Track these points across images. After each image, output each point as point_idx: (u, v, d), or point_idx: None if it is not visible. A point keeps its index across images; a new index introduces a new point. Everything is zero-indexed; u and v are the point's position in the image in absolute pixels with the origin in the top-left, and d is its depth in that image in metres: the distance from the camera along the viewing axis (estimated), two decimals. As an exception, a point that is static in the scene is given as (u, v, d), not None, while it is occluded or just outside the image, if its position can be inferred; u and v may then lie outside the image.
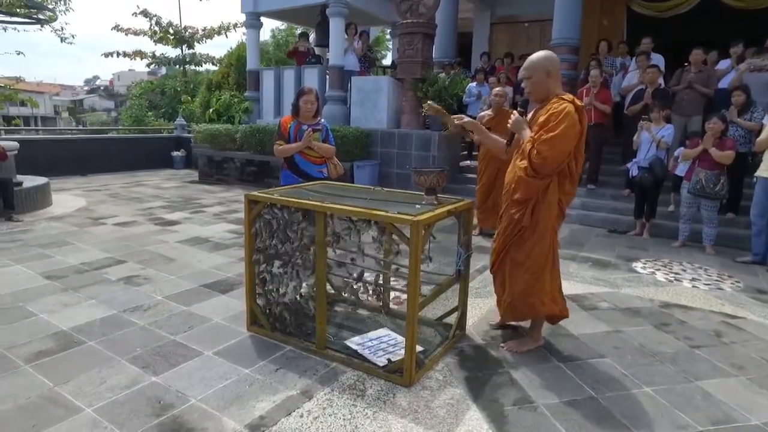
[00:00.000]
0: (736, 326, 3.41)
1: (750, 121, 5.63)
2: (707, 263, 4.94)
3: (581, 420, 2.26)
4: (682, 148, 5.79)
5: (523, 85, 2.79)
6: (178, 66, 20.43)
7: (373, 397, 2.40)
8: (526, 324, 3.13)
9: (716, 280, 4.42)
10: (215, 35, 19.22)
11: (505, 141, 2.97)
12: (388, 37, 16.76)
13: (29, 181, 6.86)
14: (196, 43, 19.52)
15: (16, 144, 7.18)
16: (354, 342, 2.86)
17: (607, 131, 7.32)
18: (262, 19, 10.50)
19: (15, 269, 4.18)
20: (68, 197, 7.77)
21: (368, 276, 2.89)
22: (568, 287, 4.00)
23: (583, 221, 6.54)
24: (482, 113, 5.85)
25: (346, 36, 9.18)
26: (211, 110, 10.99)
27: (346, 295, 3.46)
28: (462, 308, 3.04)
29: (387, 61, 15.39)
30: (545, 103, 2.70)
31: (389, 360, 2.60)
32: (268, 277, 2.96)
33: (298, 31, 12.21)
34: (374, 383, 2.51)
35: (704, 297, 3.98)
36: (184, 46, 19.42)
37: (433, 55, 8.82)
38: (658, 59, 7.27)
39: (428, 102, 3.03)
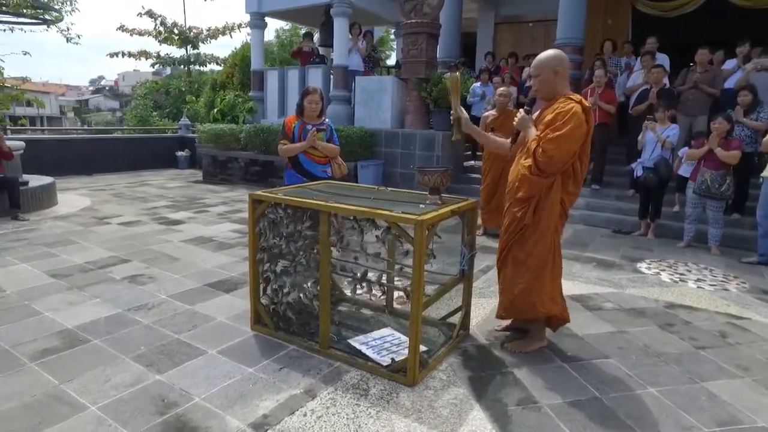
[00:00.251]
0: (742, 327, 3.39)
1: (756, 121, 5.59)
2: (712, 264, 4.92)
3: (585, 420, 2.25)
4: (686, 148, 5.76)
5: (530, 83, 2.79)
6: (182, 66, 20.49)
7: (377, 396, 2.40)
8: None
9: (722, 281, 4.40)
10: (220, 35, 19.27)
11: (503, 140, 2.97)
12: (392, 37, 16.79)
13: (35, 180, 6.90)
14: (200, 44, 19.58)
15: (22, 144, 7.23)
16: (358, 341, 2.86)
17: (611, 131, 7.29)
18: (267, 19, 10.53)
19: (21, 268, 4.20)
20: (73, 197, 7.81)
21: (372, 275, 2.88)
22: (573, 287, 4.01)
23: (588, 221, 6.52)
24: (486, 113, 5.85)
25: (350, 36, 9.19)
26: (215, 110, 11.03)
27: (349, 294, 3.47)
28: (466, 308, 3.04)
29: (391, 61, 15.39)
30: (552, 102, 2.70)
31: (393, 359, 2.60)
32: (272, 276, 2.96)
33: (303, 31, 12.23)
34: (378, 383, 2.51)
35: (709, 298, 3.96)
36: (188, 47, 19.47)
37: (437, 55, 8.82)
38: (663, 59, 7.24)
39: (455, 74, 3.00)
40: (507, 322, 3.19)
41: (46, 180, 7.06)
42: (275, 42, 19.39)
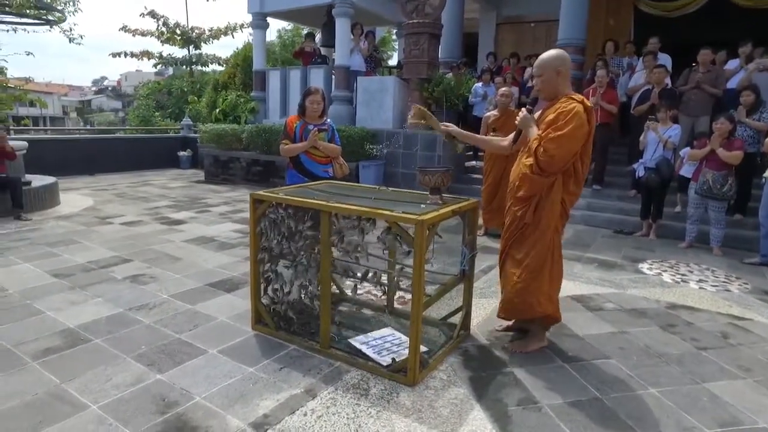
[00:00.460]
0: (744, 328, 3.38)
1: (759, 121, 5.58)
2: (714, 264, 4.90)
3: (586, 421, 2.25)
4: (687, 148, 5.75)
5: (533, 82, 2.79)
6: (185, 66, 20.53)
7: (377, 396, 2.40)
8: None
9: (723, 282, 4.38)
10: (222, 36, 19.28)
11: (499, 140, 2.99)
12: (394, 37, 16.79)
13: (38, 180, 6.92)
14: (202, 44, 19.60)
15: (25, 144, 7.26)
16: (358, 341, 2.86)
17: (613, 131, 7.29)
18: (269, 19, 10.54)
19: (23, 267, 4.22)
20: (76, 196, 7.84)
21: (373, 275, 2.88)
22: (574, 288, 4.01)
23: (589, 222, 6.51)
24: (488, 113, 5.84)
25: (352, 36, 9.19)
26: (217, 110, 11.05)
27: (350, 294, 3.47)
28: (466, 308, 3.04)
29: (393, 62, 15.40)
30: (554, 101, 2.70)
31: (393, 359, 2.60)
32: (272, 276, 2.97)
33: (305, 32, 12.24)
34: (378, 382, 2.51)
35: (711, 298, 3.95)
36: (191, 47, 19.50)
37: (439, 56, 8.82)
38: (665, 59, 7.23)
39: (415, 106, 3.03)
40: (508, 323, 3.18)
41: (49, 180, 7.09)
42: (277, 42, 19.43)
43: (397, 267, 2.82)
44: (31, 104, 13.60)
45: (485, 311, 3.51)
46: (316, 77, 9.51)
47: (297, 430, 2.13)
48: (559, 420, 2.25)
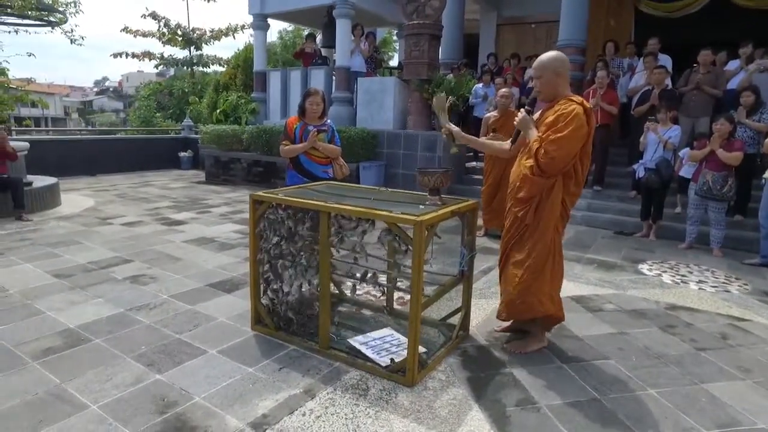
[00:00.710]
0: (743, 329, 3.38)
1: (759, 122, 5.58)
2: (714, 265, 4.90)
3: (584, 421, 2.25)
4: (687, 149, 5.75)
5: (532, 84, 2.80)
6: (186, 67, 20.57)
7: (376, 396, 2.40)
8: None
9: (723, 283, 4.38)
10: (223, 36, 19.31)
11: (499, 143, 3.00)
12: (395, 38, 16.80)
13: (39, 181, 6.94)
14: (203, 45, 19.64)
15: (26, 144, 7.28)
16: (357, 341, 2.87)
17: (613, 132, 7.29)
18: (270, 20, 10.56)
19: (24, 267, 4.23)
20: (77, 197, 7.85)
21: (372, 276, 2.89)
22: (574, 288, 4.01)
23: (589, 223, 6.52)
24: (488, 114, 5.85)
25: (352, 37, 9.21)
26: (218, 111, 11.07)
27: (349, 294, 3.48)
28: (465, 309, 3.04)
29: (394, 62, 15.42)
30: (553, 103, 2.71)
31: (392, 360, 2.61)
32: (272, 276, 2.97)
33: (306, 33, 12.26)
34: (377, 383, 2.52)
35: (711, 299, 3.95)
36: (192, 48, 19.54)
37: (440, 56, 8.83)
38: (665, 60, 7.23)
39: (441, 94, 3.03)
40: (507, 323, 3.19)
41: (50, 180, 7.11)
42: (278, 43, 19.47)
43: (396, 268, 2.83)
44: (33, 105, 13.61)
45: (485, 312, 3.51)
46: (317, 78, 9.53)
47: (296, 430, 2.13)
48: (557, 421, 2.25)
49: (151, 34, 18.80)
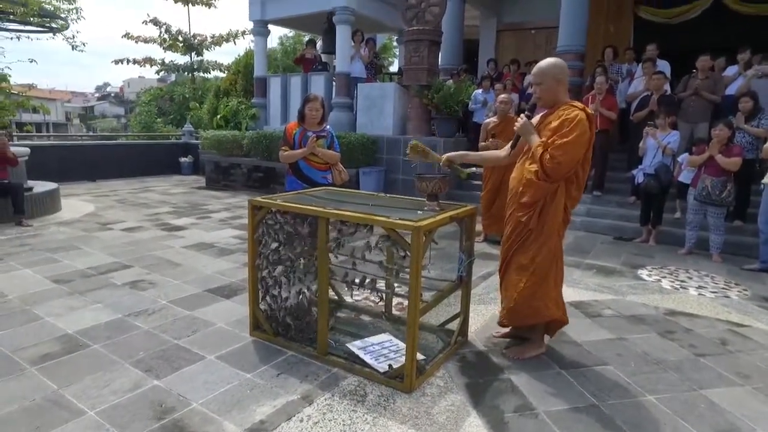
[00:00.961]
0: (743, 335, 3.37)
1: (757, 127, 5.59)
2: (714, 271, 4.90)
3: (583, 428, 2.24)
4: (686, 155, 5.76)
5: (531, 90, 2.80)
6: (186, 73, 20.66)
7: (374, 402, 2.40)
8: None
9: (723, 288, 4.38)
10: (224, 42, 19.41)
11: (496, 153, 3.04)
12: (395, 44, 16.87)
13: (39, 186, 6.95)
14: (204, 51, 19.73)
15: (27, 150, 7.30)
16: (356, 346, 2.86)
17: (612, 138, 7.30)
18: (270, 26, 10.61)
19: (23, 273, 4.23)
20: (77, 202, 7.87)
21: (370, 281, 2.89)
22: (573, 294, 4.00)
23: (589, 228, 6.52)
24: (487, 120, 5.87)
25: (352, 43, 9.25)
26: (218, 117, 11.11)
27: (348, 299, 3.47)
28: (464, 314, 3.04)
29: (394, 68, 15.47)
30: (554, 109, 2.73)
31: (390, 366, 2.60)
32: (271, 282, 2.98)
33: (306, 39, 12.32)
34: (375, 389, 2.52)
35: (710, 305, 3.94)
36: (192, 53, 19.63)
37: (440, 62, 8.86)
38: (664, 66, 7.26)
39: (411, 143, 3.04)
40: (506, 329, 3.18)
41: (50, 186, 7.12)
42: (279, 49, 19.56)
43: (394, 273, 2.83)
44: (34, 111, 13.65)
45: (483, 318, 3.51)
46: (317, 84, 9.56)
47: (293, 436, 2.13)
48: (555, 427, 2.24)
49: (153, 40, 18.90)
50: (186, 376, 2.60)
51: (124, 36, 18.73)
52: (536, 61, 2.86)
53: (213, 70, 20.25)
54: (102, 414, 2.25)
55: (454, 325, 3.09)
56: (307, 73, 9.90)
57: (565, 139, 2.54)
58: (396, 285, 3.12)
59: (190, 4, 18.81)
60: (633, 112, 7.00)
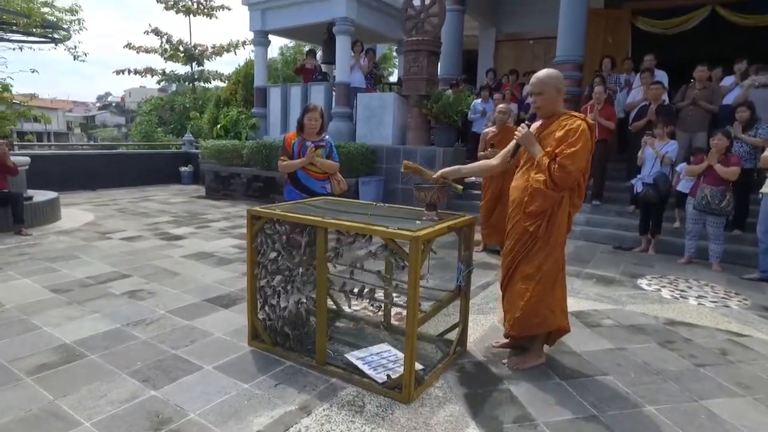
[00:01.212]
0: (743, 344, 3.36)
1: (755, 137, 5.61)
2: (713, 280, 4.89)
3: (582, 439, 2.23)
4: (684, 164, 5.78)
5: (530, 100, 2.82)
6: (187, 83, 20.77)
7: (372, 413, 2.38)
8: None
9: (723, 298, 4.37)
10: (224, 52, 19.53)
11: (488, 162, 3.08)
12: (395, 54, 16.98)
13: (39, 195, 6.96)
14: (205, 60, 19.85)
15: (27, 159, 7.32)
16: (354, 356, 2.85)
17: (611, 147, 7.33)
18: (270, 36, 10.68)
19: (21, 282, 4.22)
20: (77, 212, 7.87)
21: (368, 291, 2.89)
22: (572, 304, 3.96)
23: (588, 237, 6.51)
24: (486, 130, 5.89)
25: (352, 53, 9.30)
26: (218, 126, 11.15)
27: (347, 309, 3.47)
28: (463, 324, 3.03)
29: (394, 78, 15.55)
30: (552, 119, 2.76)
31: (389, 376, 2.59)
32: (269, 291, 2.97)
33: (306, 49, 12.39)
34: (373, 399, 2.50)
35: (710, 314, 3.93)
36: (193, 63, 19.76)
37: (439, 72, 8.91)
38: (661, 76, 7.30)
39: (404, 163, 3.07)
40: (505, 339, 3.18)
41: (50, 195, 7.13)
42: (279, 59, 19.68)
43: (393, 283, 2.83)
44: (36, 120, 13.71)
45: (482, 327, 3.50)
46: (317, 94, 9.61)
47: (291, 447, 2.11)
48: (555, 438, 2.23)
49: (154, 51, 19.03)
50: (183, 386, 2.59)
51: (126, 46, 18.89)
52: (535, 72, 2.88)
53: (213, 79, 20.38)
54: (98, 425, 2.23)
55: (453, 335, 3.08)
56: (307, 83, 9.96)
57: (573, 149, 2.57)
58: (395, 295, 3.12)
59: (191, 15, 18.99)
60: (631, 122, 7.03)
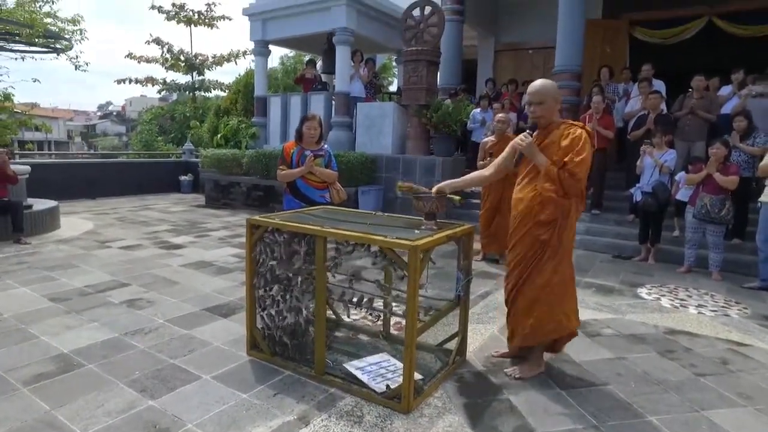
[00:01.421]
0: (744, 354, 3.35)
1: (752, 146, 5.63)
2: (713, 289, 4.88)
3: (582, 449, 2.21)
4: (683, 173, 5.79)
5: (531, 109, 2.83)
6: (188, 92, 20.87)
7: (371, 423, 2.37)
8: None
9: (723, 307, 4.36)
10: (225, 62, 19.67)
11: (480, 174, 3.13)
12: (394, 63, 17.08)
13: (39, 204, 6.97)
14: (206, 70, 19.97)
15: (27, 168, 7.33)
16: (353, 366, 2.84)
17: (610, 157, 7.35)
18: (271, 46, 10.75)
19: (20, 291, 4.21)
20: (76, 220, 7.87)
21: (367, 300, 2.88)
22: (572, 313, 3.98)
23: (588, 246, 6.51)
24: (485, 139, 5.91)
25: (352, 63, 9.36)
26: (218, 135, 11.19)
27: (346, 318, 3.45)
28: (462, 334, 3.02)
29: (394, 88, 15.63)
30: (551, 128, 2.79)
31: (388, 386, 2.58)
32: (268, 301, 2.96)
33: (306, 58, 12.46)
34: (372, 409, 2.48)
35: (710, 324, 3.92)
36: (194, 73, 19.87)
37: (438, 82, 8.95)
38: (659, 85, 7.34)
39: (398, 184, 3.09)
40: (505, 349, 3.17)
41: (50, 204, 7.13)
42: (280, 69, 19.78)
43: (392, 292, 2.83)
44: (36, 129, 13.76)
45: (482, 337, 3.48)
46: (317, 103, 9.65)
47: (289, 458, 2.09)
48: (555, 449, 2.21)
49: (155, 60, 19.15)
50: (181, 396, 2.57)
51: (127, 56, 19.01)
52: (533, 81, 2.91)
53: (214, 89, 20.48)
54: (95, 435, 2.22)
55: (452, 345, 3.06)
56: (307, 92, 10.00)
57: (581, 157, 2.64)
58: (394, 304, 3.11)
59: (192, 25, 19.13)
60: (630, 131, 7.06)
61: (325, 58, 10.31)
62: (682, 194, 5.81)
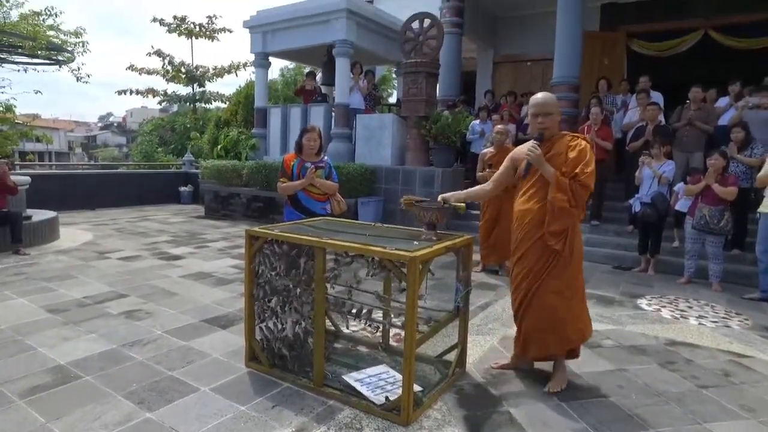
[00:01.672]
0: (745, 366, 3.33)
1: (750, 157, 5.66)
2: (714, 300, 4.87)
3: (583, 463, 2.19)
4: (682, 184, 5.80)
5: (540, 120, 2.83)
6: (188, 103, 20.98)
7: (370, 436, 2.35)
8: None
9: (723, 318, 4.34)
10: (225, 74, 19.81)
11: (482, 188, 3.17)
12: (394, 75, 17.20)
13: (38, 215, 6.96)
14: (206, 82, 20.11)
15: (27, 179, 7.34)
16: (352, 377, 2.82)
17: (608, 168, 7.37)
18: (271, 58, 10.82)
19: (18, 302, 4.20)
20: (76, 231, 7.86)
21: (366, 312, 2.87)
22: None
23: (587, 257, 6.44)
24: (485, 150, 5.93)
25: (351, 75, 9.42)
26: (219, 147, 11.21)
27: (346, 330, 3.44)
28: (462, 345, 3.01)
29: (393, 99, 15.72)
30: (555, 139, 2.84)
31: (387, 398, 2.56)
32: (267, 312, 2.95)
33: (306, 70, 12.54)
34: (371, 422, 2.46)
35: (711, 335, 3.90)
36: (194, 85, 20.00)
37: (437, 94, 9.01)
38: (657, 97, 7.39)
39: (403, 198, 3.11)
40: (505, 360, 3.16)
41: (49, 214, 7.13)
42: (280, 80, 19.91)
43: (392, 304, 2.82)
44: (37, 140, 13.81)
45: (481, 348, 3.46)
46: (317, 115, 9.69)
47: (287, 472, 2.07)
48: (556, 462, 2.19)
49: (156, 72, 19.28)
50: (179, 408, 2.55)
51: (129, 68, 19.14)
52: (532, 93, 2.97)
53: (214, 100, 20.61)
54: (91, 448, 2.19)
55: (451, 356, 3.05)
56: (307, 104, 10.05)
57: (590, 168, 2.71)
58: (393, 315, 3.09)
59: (193, 38, 19.28)
60: (628, 142, 7.09)
61: (324, 69, 10.38)
62: (681, 205, 5.82)
